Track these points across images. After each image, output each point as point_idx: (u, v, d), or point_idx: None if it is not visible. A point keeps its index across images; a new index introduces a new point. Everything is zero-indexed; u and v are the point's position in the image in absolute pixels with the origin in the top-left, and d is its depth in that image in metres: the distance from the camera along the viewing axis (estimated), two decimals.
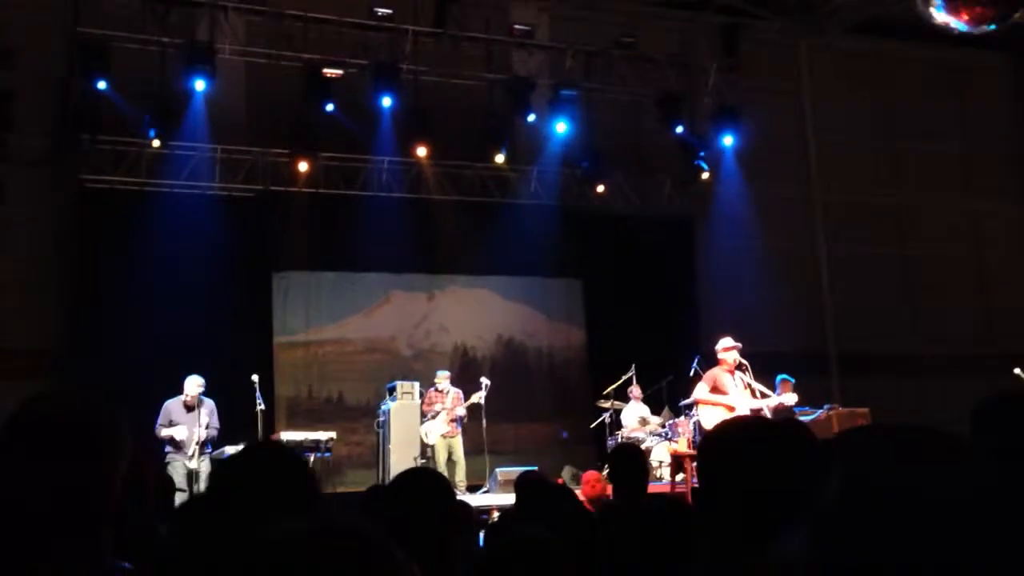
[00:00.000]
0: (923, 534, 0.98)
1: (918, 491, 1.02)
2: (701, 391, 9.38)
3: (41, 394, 1.72)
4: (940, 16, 6.99)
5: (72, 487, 1.58)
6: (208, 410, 9.51)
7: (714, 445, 2.05)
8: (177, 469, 9.11)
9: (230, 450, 9.21)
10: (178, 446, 9.25)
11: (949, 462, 1.08)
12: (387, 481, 10.37)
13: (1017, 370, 10.53)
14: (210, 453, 9.31)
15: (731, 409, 9.19)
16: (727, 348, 9.37)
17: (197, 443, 9.27)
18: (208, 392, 9.45)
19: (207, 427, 9.38)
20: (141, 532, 2.89)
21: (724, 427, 2.07)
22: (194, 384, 9.48)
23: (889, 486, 1.03)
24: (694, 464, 9.40)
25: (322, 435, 9.35)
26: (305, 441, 9.23)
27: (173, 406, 9.45)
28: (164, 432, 9.26)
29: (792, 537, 1.06)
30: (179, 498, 8.84)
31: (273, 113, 12.17)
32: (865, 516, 1.02)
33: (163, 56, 11.28)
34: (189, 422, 9.32)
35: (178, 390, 9.45)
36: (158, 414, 9.39)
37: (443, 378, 11.41)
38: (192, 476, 9.19)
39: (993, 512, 1.01)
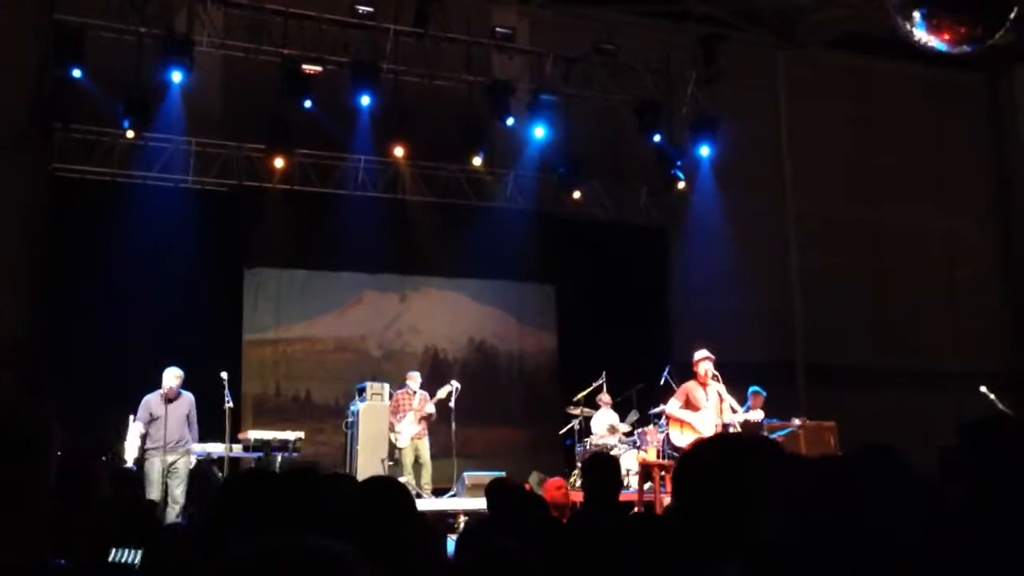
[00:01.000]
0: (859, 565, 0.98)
1: (857, 521, 1.00)
2: (673, 406, 9.42)
3: None
4: (920, 35, 7.03)
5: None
6: (188, 403, 9.39)
7: (690, 464, 2.05)
8: (154, 464, 8.98)
9: (195, 448, 9.13)
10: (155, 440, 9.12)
11: (885, 492, 1.07)
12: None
13: (983, 388, 10.63)
14: (187, 448, 9.15)
15: (696, 430, 9.22)
16: (700, 360, 9.42)
17: (175, 438, 9.12)
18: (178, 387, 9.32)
19: (188, 421, 9.27)
20: (86, 524, 2.82)
21: (700, 446, 2.10)
22: (172, 376, 9.32)
23: (827, 518, 1.02)
24: (662, 473, 9.43)
25: (290, 435, 9.26)
26: (273, 440, 9.14)
27: (152, 400, 9.29)
28: (137, 430, 9.08)
29: (729, 567, 1.05)
30: (155, 493, 8.81)
31: (250, 108, 12.06)
32: (801, 547, 1.01)
33: (140, 46, 11.13)
34: (167, 415, 9.15)
35: (147, 382, 9.30)
36: (137, 408, 9.27)
37: (414, 379, 11.35)
38: (167, 471, 9.02)
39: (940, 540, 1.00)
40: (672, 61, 13.87)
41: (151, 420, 9.16)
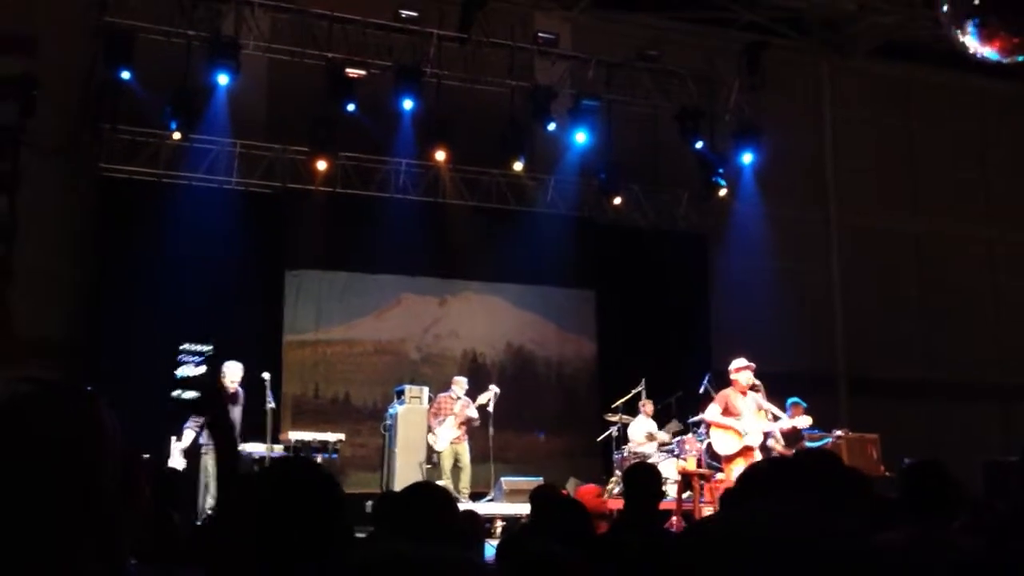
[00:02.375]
0: None
1: None
2: (712, 412, 9.32)
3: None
4: (972, 44, 6.94)
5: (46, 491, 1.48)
6: (240, 402, 9.48)
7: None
8: (211, 461, 9.02)
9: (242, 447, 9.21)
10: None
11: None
12: (392, 484, 10.34)
13: None
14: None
15: (740, 435, 9.14)
16: (740, 368, 9.32)
17: (238, 434, 9.15)
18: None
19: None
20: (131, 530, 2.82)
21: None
22: (238, 371, 9.34)
23: None
24: (702, 482, 9.36)
25: (330, 436, 9.31)
26: (313, 442, 9.19)
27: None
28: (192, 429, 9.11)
29: None
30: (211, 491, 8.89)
31: (294, 111, 12.16)
32: None
33: (187, 49, 11.26)
34: (234, 416, 9.17)
35: None
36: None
37: (460, 384, 11.35)
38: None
39: None
40: (715, 68, 13.79)
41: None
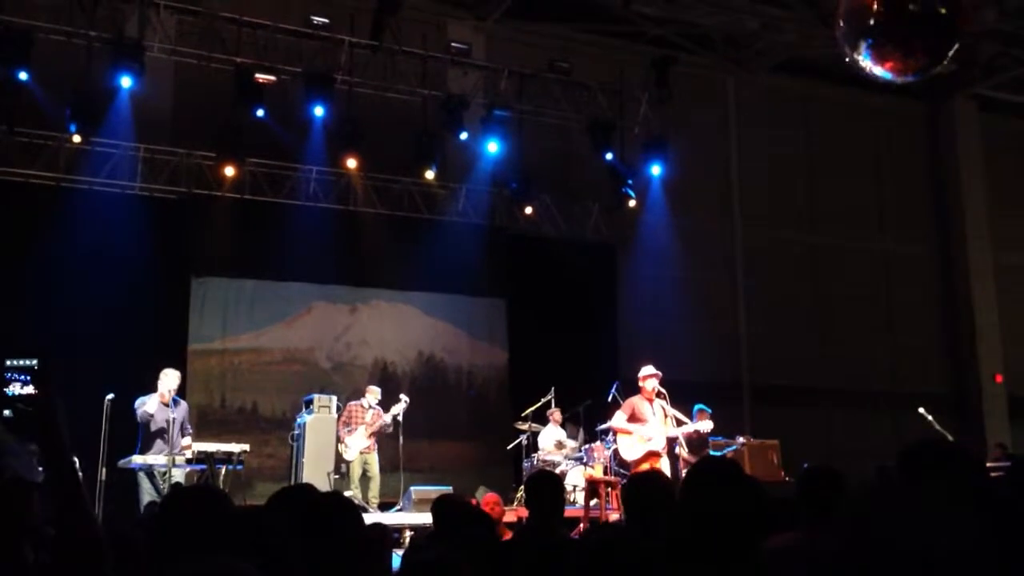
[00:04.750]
0: None
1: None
2: (619, 419, 9.47)
3: None
4: (865, 64, 7.19)
5: None
6: (183, 412, 9.36)
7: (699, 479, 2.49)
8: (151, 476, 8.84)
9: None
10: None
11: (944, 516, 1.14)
12: None
13: (921, 409, 10.87)
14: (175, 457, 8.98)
15: (646, 439, 9.30)
16: (647, 376, 9.49)
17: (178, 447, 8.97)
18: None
19: (183, 430, 9.23)
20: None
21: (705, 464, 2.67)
22: (174, 379, 9.30)
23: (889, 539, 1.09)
24: (608, 490, 9.48)
25: (234, 447, 9.11)
26: (217, 453, 8.99)
27: (150, 404, 9.13)
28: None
29: None
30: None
31: (200, 115, 11.95)
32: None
33: (89, 50, 10.96)
34: (168, 422, 9.03)
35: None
36: (134, 410, 9.10)
37: (373, 393, 11.28)
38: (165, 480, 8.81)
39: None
40: (625, 81, 14.03)
41: (150, 425, 9.03)
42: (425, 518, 9.84)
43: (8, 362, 2.23)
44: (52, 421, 2.07)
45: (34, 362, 2.26)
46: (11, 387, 2.18)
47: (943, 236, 17.67)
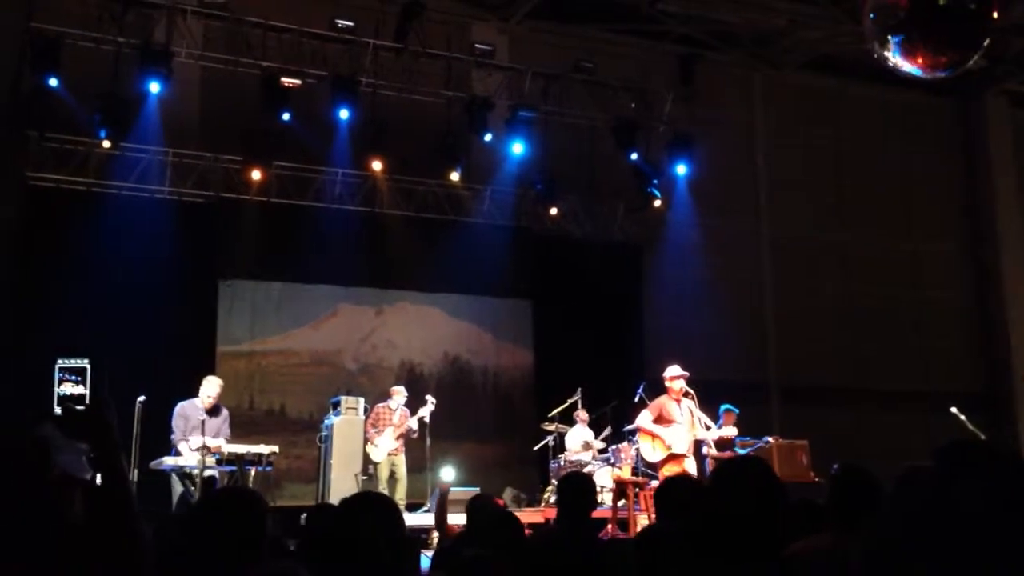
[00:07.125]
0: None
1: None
2: (644, 419, 9.43)
3: None
4: (895, 60, 7.12)
5: None
6: (223, 418, 9.42)
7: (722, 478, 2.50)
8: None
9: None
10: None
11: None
12: (327, 496, 10.24)
13: (954, 409, 10.74)
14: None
15: (668, 446, 9.25)
16: (674, 377, 9.45)
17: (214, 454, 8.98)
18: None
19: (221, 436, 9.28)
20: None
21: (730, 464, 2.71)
22: (215, 386, 9.36)
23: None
24: (636, 490, 9.44)
25: (264, 448, 9.15)
26: (247, 454, 9.04)
27: (190, 410, 9.20)
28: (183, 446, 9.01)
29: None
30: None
31: (228, 119, 12.03)
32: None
33: (117, 56, 11.07)
34: (210, 429, 9.07)
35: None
36: (170, 418, 9.17)
37: (399, 394, 11.28)
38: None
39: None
40: (650, 80, 13.98)
41: (190, 431, 9.07)
42: (451, 518, 9.86)
43: (60, 362, 2.27)
44: (104, 421, 2.09)
45: (85, 362, 2.29)
46: (63, 386, 2.21)
47: (974, 233, 17.47)
